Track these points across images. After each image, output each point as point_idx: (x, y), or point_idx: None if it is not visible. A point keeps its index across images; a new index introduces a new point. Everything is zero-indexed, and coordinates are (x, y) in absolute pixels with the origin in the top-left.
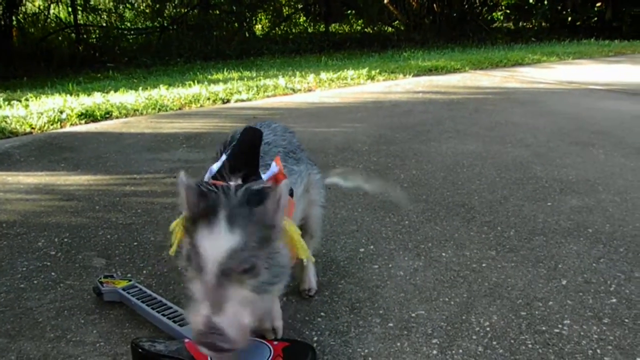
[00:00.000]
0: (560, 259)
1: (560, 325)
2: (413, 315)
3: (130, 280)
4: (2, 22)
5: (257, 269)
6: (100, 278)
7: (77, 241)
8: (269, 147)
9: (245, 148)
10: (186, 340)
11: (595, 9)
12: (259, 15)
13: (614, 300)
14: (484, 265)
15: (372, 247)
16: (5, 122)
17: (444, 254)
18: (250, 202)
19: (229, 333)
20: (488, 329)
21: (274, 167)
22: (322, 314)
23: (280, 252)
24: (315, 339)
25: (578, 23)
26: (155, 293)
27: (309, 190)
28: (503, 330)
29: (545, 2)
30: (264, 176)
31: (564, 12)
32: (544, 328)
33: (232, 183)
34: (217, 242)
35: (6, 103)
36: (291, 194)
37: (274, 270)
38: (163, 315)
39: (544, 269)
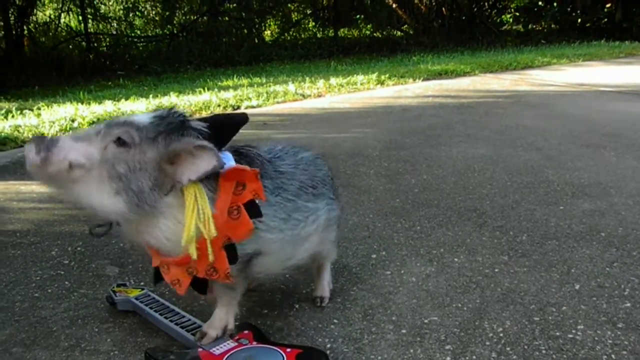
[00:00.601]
0: (573, 264)
1: (574, 331)
2: (426, 321)
3: (143, 289)
4: (14, 32)
5: (125, 153)
6: (114, 287)
7: (90, 250)
8: (282, 177)
9: (224, 120)
10: (200, 349)
11: (605, 10)
12: (268, 21)
13: (628, 304)
14: (496, 270)
15: (384, 253)
16: (18, 131)
17: (456, 260)
18: (181, 128)
19: (53, 155)
20: (501, 334)
21: (241, 165)
22: (335, 320)
23: (150, 179)
24: (329, 345)
25: (588, 24)
26: (168, 302)
27: (325, 228)
28: (516, 336)
29: (555, 4)
30: (225, 158)
31: (574, 14)
32: (557, 333)
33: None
34: (137, 116)
35: (18, 112)
36: (255, 214)
37: (128, 175)
38: (176, 324)
39: (556, 274)
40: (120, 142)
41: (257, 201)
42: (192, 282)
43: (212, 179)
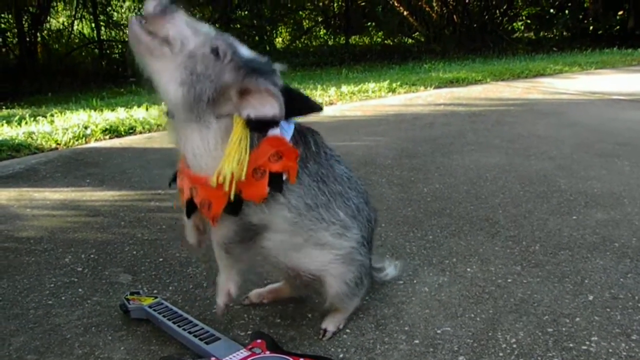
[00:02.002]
0: (587, 274)
1: (587, 342)
2: (439, 331)
3: (156, 297)
4: (28, 39)
5: (214, 55)
6: (127, 295)
7: (103, 257)
8: (331, 174)
9: (303, 96)
10: (213, 358)
11: (617, 17)
12: (280, 28)
13: None
14: (509, 280)
15: (396, 262)
16: (32, 138)
17: (468, 269)
18: (268, 65)
19: (167, 17)
20: (515, 345)
21: (285, 130)
22: (348, 330)
23: (214, 91)
24: (341, 355)
25: (600, 32)
26: (181, 310)
27: (344, 262)
28: (530, 347)
29: (567, 12)
30: (272, 132)
31: (586, 21)
32: (571, 345)
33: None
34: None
35: (32, 119)
36: (277, 187)
37: (208, 82)
38: (189, 332)
39: (570, 285)
40: (215, 50)
41: (285, 179)
42: (187, 201)
43: (257, 136)
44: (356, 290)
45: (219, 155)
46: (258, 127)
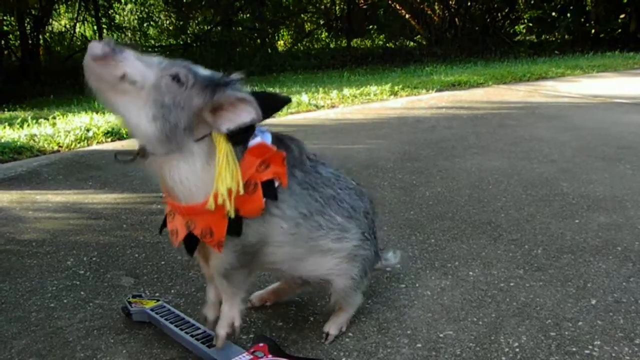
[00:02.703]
0: (589, 278)
1: (590, 347)
2: (441, 335)
3: (158, 300)
4: (30, 41)
5: (175, 88)
6: (129, 298)
7: (105, 260)
8: (319, 178)
9: (272, 95)
10: None
11: (619, 20)
12: (281, 31)
13: None
14: (511, 284)
15: (398, 266)
16: (34, 140)
17: (471, 273)
18: (232, 81)
19: (117, 56)
20: (517, 349)
21: (263, 139)
22: (350, 334)
23: (188, 121)
24: (344, 359)
25: (602, 35)
26: (183, 313)
27: (348, 260)
28: (533, 351)
29: (569, 15)
30: (253, 141)
31: (587, 25)
32: (574, 349)
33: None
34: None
35: (34, 121)
36: (271, 195)
37: (175, 109)
38: (192, 336)
39: (572, 288)
40: (176, 78)
41: (278, 186)
42: (186, 238)
43: (239, 150)
44: (360, 283)
45: (210, 178)
46: (239, 138)
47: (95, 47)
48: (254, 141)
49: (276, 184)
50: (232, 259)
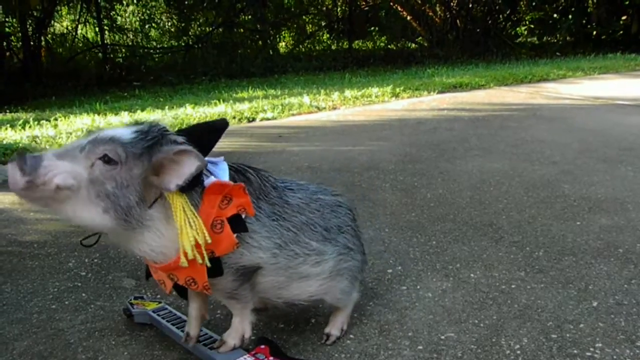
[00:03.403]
0: (591, 280)
1: (592, 349)
2: (442, 337)
3: (160, 302)
4: (32, 43)
5: (110, 170)
6: (131, 300)
7: (107, 262)
8: (287, 207)
9: (205, 126)
10: None
11: (621, 22)
12: (283, 33)
13: None
14: (513, 286)
15: (400, 268)
16: (35, 141)
17: (472, 275)
18: (162, 138)
19: (39, 174)
20: (519, 352)
21: (218, 175)
22: (352, 336)
23: (137, 194)
24: None
25: (603, 37)
26: (185, 315)
27: (333, 278)
28: (534, 354)
29: (570, 16)
30: (208, 181)
31: (589, 26)
32: (575, 351)
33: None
34: (118, 129)
35: (36, 123)
36: (240, 228)
37: (116, 192)
38: None
39: (574, 290)
40: (106, 159)
41: (247, 218)
42: (175, 285)
43: (196, 193)
44: (352, 288)
45: (174, 235)
46: (191, 186)
47: (14, 180)
48: (210, 180)
49: (243, 215)
50: (232, 284)
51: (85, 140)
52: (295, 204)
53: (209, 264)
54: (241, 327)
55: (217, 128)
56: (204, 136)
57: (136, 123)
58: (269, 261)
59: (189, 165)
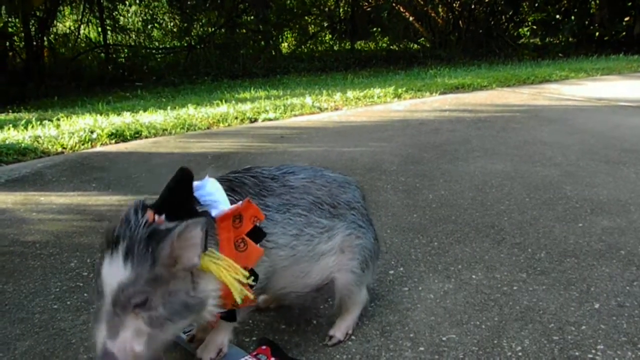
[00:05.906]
0: (593, 282)
1: (593, 351)
2: (444, 339)
3: None
4: (34, 43)
5: (149, 303)
6: None
7: None
8: (293, 192)
9: (173, 187)
10: None
11: (624, 23)
12: (285, 33)
13: None
14: (514, 288)
15: (401, 269)
16: (38, 141)
17: (474, 276)
18: (151, 239)
19: (119, 357)
20: (520, 353)
21: (232, 205)
22: (353, 337)
23: (183, 289)
24: None
25: (606, 38)
26: None
27: (343, 252)
28: (535, 356)
29: (572, 17)
30: (215, 212)
31: (592, 27)
32: (577, 353)
33: (145, 218)
34: (111, 274)
35: (38, 123)
36: (260, 237)
37: (171, 307)
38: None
39: (576, 292)
40: (138, 303)
41: (259, 224)
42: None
43: (209, 222)
44: (363, 277)
45: (219, 283)
46: (205, 245)
47: None
48: (215, 212)
49: (257, 224)
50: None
51: (106, 301)
52: (300, 185)
53: (252, 297)
54: (221, 342)
55: (184, 179)
56: (178, 195)
57: (114, 241)
58: (289, 253)
59: (193, 239)
